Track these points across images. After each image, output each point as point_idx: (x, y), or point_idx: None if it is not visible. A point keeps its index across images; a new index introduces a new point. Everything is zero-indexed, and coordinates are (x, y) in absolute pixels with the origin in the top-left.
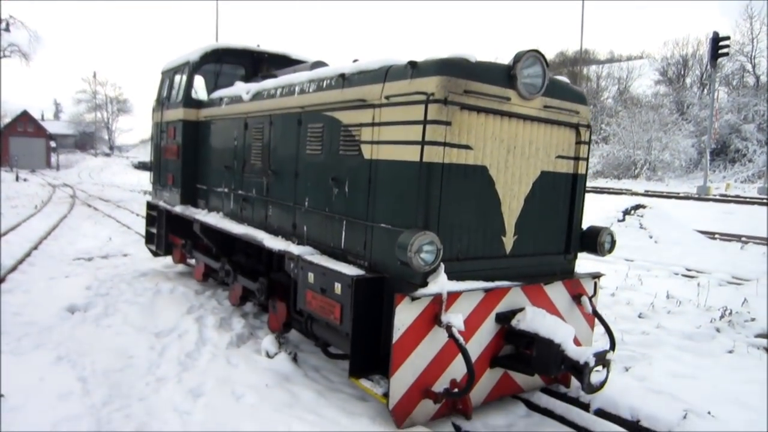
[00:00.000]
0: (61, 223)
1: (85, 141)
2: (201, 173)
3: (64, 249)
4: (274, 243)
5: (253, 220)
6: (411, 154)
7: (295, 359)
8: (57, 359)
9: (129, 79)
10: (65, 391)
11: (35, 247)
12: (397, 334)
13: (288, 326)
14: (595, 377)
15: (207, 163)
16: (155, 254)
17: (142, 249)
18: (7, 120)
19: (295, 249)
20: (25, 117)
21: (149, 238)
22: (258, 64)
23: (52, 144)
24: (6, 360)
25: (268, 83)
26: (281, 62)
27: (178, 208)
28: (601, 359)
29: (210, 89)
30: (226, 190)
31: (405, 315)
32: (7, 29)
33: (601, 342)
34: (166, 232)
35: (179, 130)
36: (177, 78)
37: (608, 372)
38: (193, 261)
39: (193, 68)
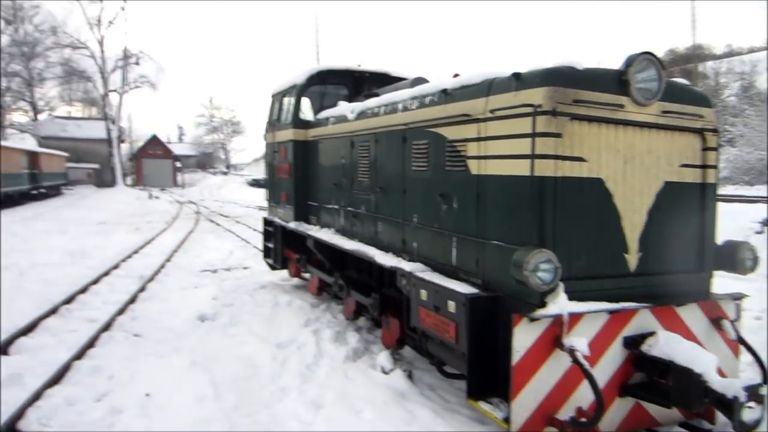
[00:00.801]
0: (188, 237)
1: (205, 161)
2: (312, 190)
3: (192, 261)
4: (385, 259)
5: (363, 235)
6: (520, 168)
7: (410, 377)
8: (191, 364)
9: (241, 102)
10: (200, 394)
11: (168, 260)
12: (516, 357)
13: (402, 342)
14: (748, 414)
15: (317, 181)
16: (273, 268)
17: (260, 262)
18: (140, 144)
19: (406, 265)
20: (154, 141)
21: (267, 253)
22: (360, 83)
23: (178, 164)
24: (150, 362)
25: (372, 102)
26: (381, 80)
27: (292, 224)
28: (754, 394)
29: (316, 109)
30: (336, 206)
31: (524, 337)
32: (137, 63)
33: (749, 373)
34: (281, 247)
35: (290, 150)
36: (285, 100)
37: (765, 409)
38: (307, 275)
39: (300, 90)
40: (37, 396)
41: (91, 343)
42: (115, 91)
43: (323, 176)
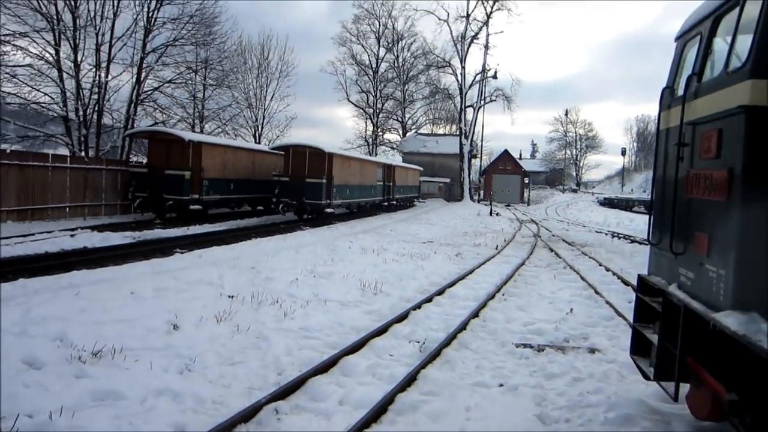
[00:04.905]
0: (516, 272)
1: (554, 177)
2: None
3: (509, 319)
4: None
5: None
6: None
7: None
8: None
9: (598, 115)
10: None
11: (477, 314)
12: None
13: None
14: None
15: None
16: (645, 376)
17: (618, 341)
18: (492, 159)
19: None
20: (506, 156)
21: (638, 346)
22: None
23: (526, 180)
24: None
25: None
26: None
27: (728, 319)
28: None
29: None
30: None
31: None
32: (494, 77)
33: None
34: (683, 351)
35: (734, 133)
36: (721, 30)
37: None
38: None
39: None
40: None
41: None
42: (471, 106)
43: None
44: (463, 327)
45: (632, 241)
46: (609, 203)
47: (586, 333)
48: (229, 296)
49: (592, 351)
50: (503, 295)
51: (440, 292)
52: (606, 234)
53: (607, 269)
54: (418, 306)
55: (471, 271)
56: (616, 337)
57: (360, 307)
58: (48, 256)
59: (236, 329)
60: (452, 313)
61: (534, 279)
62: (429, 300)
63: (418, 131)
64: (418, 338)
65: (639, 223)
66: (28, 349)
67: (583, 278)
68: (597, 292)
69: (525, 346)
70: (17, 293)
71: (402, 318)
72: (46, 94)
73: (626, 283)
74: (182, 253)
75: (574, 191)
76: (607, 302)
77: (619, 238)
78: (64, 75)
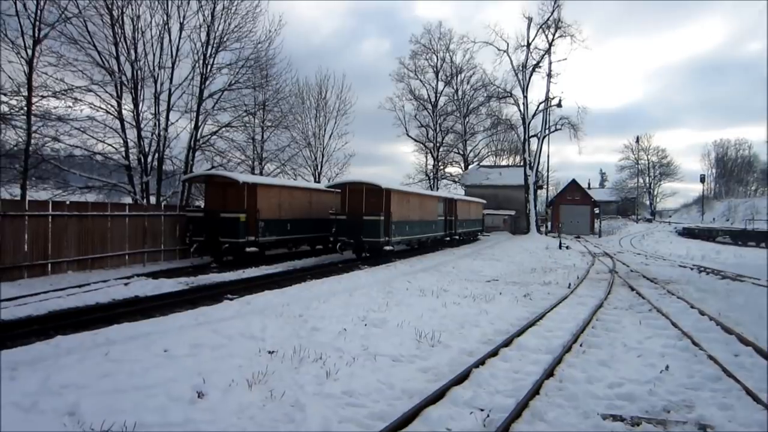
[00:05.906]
0: (594, 317)
1: (626, 207)
2: None
3: (591, 379)
4: None
5: None
6: None
7: None
8: None
9: (671, 141)
10: None
11: (552, 371)
12: None
13: None
14: None
15: None
16: None
17: (734, 413)
18: (559, 189)
19: None
20: (573, 186)
21: None
22: None
23: (596, 210)
24: None
25: None
26: None
27: None
28: None
29: None
30: None
31: None
32: (559, 105)
33: None
34: None
35: None
36: None
37: None
38: None
39: None
40: None
41: None
42: (535, 136)
43: None
44: (536, 390)
45: (724, 277)
46: (689, 233)
47: (689, 399)
48: (269, 352)
49: (703, 428)
50: (581, 345)
51: (507, 343)
52: (691, 269)
53: (702, 312)
54: (481, 362)
55: (542, 316)
56: (730, 407)
57: (414, 363)
58: (96, 308)
59: (270, 395)
60: (522, 370)
61: (615, 325)
62: (494, 353)
63: (481, 163)
64: (482, 405)
65: (728, 256)
66: (32, 428)
67: (674, 324)
68: (695, 343)
69: (614, 417)
70: (49, 354)
71: (462, 378)
72: (109, 144)
73: (728, 331)
74: (231, 299)
75: (649, 221)
76: (710, 357)
77: (707, 273)
78: (126, 125)
